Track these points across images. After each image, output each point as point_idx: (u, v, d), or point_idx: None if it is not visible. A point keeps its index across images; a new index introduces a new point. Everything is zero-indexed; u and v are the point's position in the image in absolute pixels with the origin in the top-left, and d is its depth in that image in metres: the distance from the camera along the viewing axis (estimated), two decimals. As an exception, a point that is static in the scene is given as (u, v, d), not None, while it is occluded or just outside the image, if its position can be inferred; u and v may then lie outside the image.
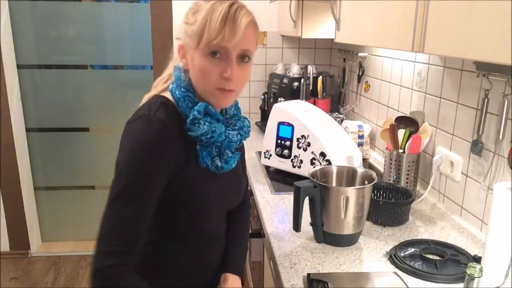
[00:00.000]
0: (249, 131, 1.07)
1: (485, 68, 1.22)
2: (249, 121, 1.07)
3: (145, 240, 0.88)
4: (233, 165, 1.02)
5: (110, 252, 0.83)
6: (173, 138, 0.90)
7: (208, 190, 0.98)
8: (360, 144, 2.04)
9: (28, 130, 2.93)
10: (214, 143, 0.96)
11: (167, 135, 0.89)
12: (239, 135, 1.02)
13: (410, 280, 1.10)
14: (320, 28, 2.15)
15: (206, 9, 0.89)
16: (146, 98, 0.99)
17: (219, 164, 0.97)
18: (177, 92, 0.95)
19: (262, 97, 2.60)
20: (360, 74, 2.23)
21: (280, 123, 1.74)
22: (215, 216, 1.03)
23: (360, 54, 2.19)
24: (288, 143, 1.73)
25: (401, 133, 1.61)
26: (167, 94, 0.97)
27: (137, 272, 0.87)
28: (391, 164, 1.60)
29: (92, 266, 0.83)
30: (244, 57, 0.94)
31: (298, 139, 1.69)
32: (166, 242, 0.99)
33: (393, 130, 1.60)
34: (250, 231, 1.36)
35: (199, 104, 0.94)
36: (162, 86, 1.01)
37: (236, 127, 1.02)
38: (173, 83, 0.97)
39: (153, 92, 1.01)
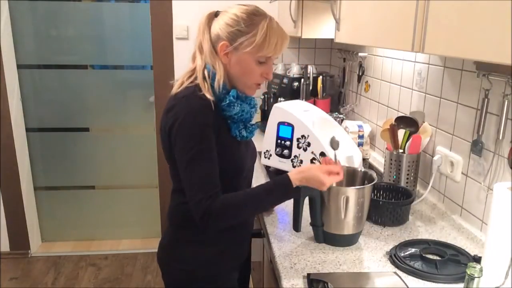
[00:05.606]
0: (257, 108, 1.30)
1: (485, 68, 1.22)
2: (256, 100, 1.29)
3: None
4: (254, 135, 1.25)
5: (205, 197, 1.05)
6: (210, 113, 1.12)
7: (239, 153, 1.21)
8: (360, 144, 2.04)
9: (28, 130, 2.93)
10: (242, 120, 1.19)
11: (209, 110, 1.11)
12: (254, 111, 1.25)
13: (410, 280, 1.10)
14: (320, 28, 2.15)
15: (264, 27, 1.12)
16: (177, 88, 1.16)
17: (245, 134, 1.20)
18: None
19: (262, 97, 2.60)
20: (360, 74, 2.23)
21: (280, 123, 1.74)
22: (244, 173, 1.25)
23: (360, 54, 2.19)
24: (288, 143, 1.73)
25: (401, 133, 1.61)
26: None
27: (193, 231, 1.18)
28: (391, 164, 1.60)
29: (197, 210, 1.06)
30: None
31: (298, 139, 1.69)
32: None
33: (393, 130, 1.60)
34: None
35: (232, 91, 1.16)
36: (189, 79, 1.17)
37: (251, 105, 1.24)
38: (207, 77, 1.15)
39: (182, 84, 1.16)
